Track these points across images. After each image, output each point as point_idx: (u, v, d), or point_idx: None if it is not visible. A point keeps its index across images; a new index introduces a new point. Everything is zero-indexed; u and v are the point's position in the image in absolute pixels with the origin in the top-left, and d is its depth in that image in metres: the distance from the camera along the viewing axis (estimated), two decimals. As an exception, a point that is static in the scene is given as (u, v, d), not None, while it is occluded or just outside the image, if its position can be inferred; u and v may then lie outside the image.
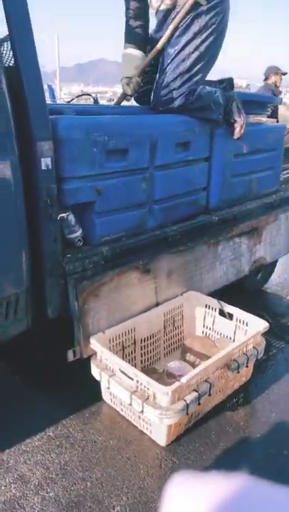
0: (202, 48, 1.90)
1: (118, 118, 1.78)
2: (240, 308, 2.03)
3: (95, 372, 1.73)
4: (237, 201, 2.48)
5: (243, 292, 2.74)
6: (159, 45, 1.95)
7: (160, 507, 0.39)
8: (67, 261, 1.68)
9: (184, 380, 1.51)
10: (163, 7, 1.93)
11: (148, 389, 1.53)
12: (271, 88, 4.83)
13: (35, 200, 1.52)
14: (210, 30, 1.89)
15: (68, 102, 2.52)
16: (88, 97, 2.98)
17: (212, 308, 2.12)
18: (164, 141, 1.90)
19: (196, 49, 1.89)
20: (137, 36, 2.04)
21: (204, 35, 1.89)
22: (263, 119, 2.80)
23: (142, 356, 1.99)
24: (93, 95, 2.80)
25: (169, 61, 1.92)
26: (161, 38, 1.95)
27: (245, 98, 2.32)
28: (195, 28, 1.87)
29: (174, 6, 1.90)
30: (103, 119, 1.70)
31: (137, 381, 1.56)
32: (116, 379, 1.64)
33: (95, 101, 2.68)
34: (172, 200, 2.07)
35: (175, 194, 2.08)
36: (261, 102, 2.60)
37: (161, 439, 1.62)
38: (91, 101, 2.83)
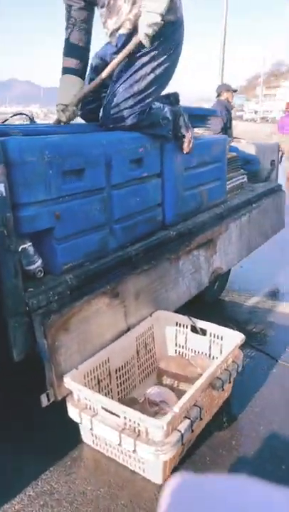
0: (158, 71, 1.86)
1: (71, 137, 1.67)
2: (206, 320, 1.99)
3: (73, 413, 1.57)
4: (190, 214, 2.47)
5: (203, 304, 2.73)
6: (103, 74, 1.87)
7: (159, 506, 0.38)
8: (30, 295, 1.52)
9: (176, 409, 1.41)
10: (123, 31, 1.85)
11: (138, 425, 1.40)
12: (224, 104, 5.16)
13: (-10, 233, 1.35)
14: (167, 55, 1.85)
15: (3, 122, 2.34)
16: (22, 116, 2.82)
17: (183, 326, 2.06)
18: (119, 159, 1.82)
19: (152, 71, 1.85)
20: (79, 51, 1.94)
21: (161, 59, 1.85)
22: (200, 131, 2.86)
23: (118, 387, 1.86)
24: (28, 114, 2.65)
25: (122, 80, 1.85)
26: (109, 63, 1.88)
27: (188, 112, 2.33)
28: (153, 52, 1.82)
29: (135, 30, 1.80)
30: (57, 139, 1.58)
31: (125, 417, 1.43)
32: (99, 418, 1.49)
33: (31, 120, 2.54)
34: (131, 218, 2.00)
35: (133, 212, 2.00)
36: (201, 115, 2.64)
37: (157, 476, 1.50)
38: (25, 120, 2.68)
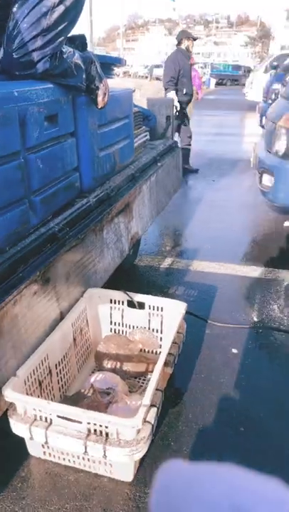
0: (68, 2, 1.50)
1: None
2: (124, 289, 1.88)
3: (20, 429, 1.31)
4: (105, 178, 2.24)
5: (120, 272, 2.60)
6: None
7: (151, 492, 0.39)
8: None
9: (146, 400, 1.28)
10: None
11: (106, 427, 1.24)
12: (182, 52, 4.98)
13: None
14: None
15: None
16: None
17: (118, 302, 1.90)
18: (34, 116, 1.48)
19: (61, 2, 1.48)
20: None
21: None
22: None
23: (58, 383, 1.64)
24: None
25: (26, 12, 1.45)
26: None
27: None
28: None
29: None
30: None
31: (89, 422, 1.25)
32: (57, 429, 1.28)
33: None
34: (50, 187, 1.69)
35: (52, 179, 1.69)
36: (106, 64, 2.34)
37: (127, 475, 1.37)
38: None
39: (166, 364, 1.59)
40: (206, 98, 18.21)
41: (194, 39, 5.16)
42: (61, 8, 1.50)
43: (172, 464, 0.42)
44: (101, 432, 1.25)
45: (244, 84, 18.49)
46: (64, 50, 1.65)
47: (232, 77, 31.72)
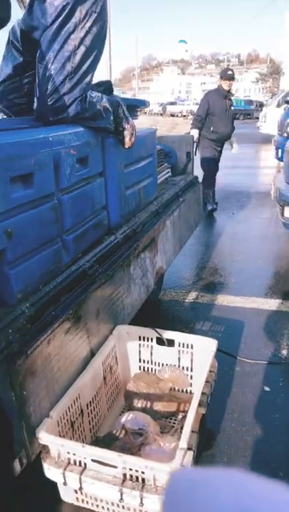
0: (88, 41, 1.59)
1: (13, 135, 1.33)
2: (150, 325, 1.86)
3: (54, 474, 1.28)
4: (131, 214, 2.28)
5: (144, 306, 2.58)
6: None
7: (163, 501, 0.40)
8: (-15, 339, 1.18)
9: (183, 443, 1.24)
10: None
11: (143, 473, 1.20)
12: (218, 90, 5.15)
13: None
14: (92, 18, 1.59)
15: None
16: None
17: (147, 339, 1.88)
18: (67, 159, 1.54)
19: (81, 43, 1.57)
20: None
21: (87, 25, 1.57)
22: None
23: (89, 424, 1.61)
24: None
25: (51, 60, 1.54)
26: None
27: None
28: (76, 18, 1.54)
29: None
30: (3, 138, 1.24)
31: (124, 467, 1.21)
32: (91, 474, 1.24)
33: None
34: (81, 226, 1.73)
35: (83, 218, 1.74)
36: (131, 106, 2.44)
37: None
38: None
39: (199, 404, 1.55)
40: (220, 132, 18.60)
41: (228, 78, 5.09)
42: (82, 49, 1.59)
43: (180, 472, 0.43)
44: (137, 477, 1.21)
45: (257, 118, 18.88)
46: (93, 94, 1.73)
47: (244, 112, 32.44)
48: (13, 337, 1.25)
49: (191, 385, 1.85)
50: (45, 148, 1.40)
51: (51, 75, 1.55)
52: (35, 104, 1.61)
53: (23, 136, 1.33)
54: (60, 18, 1.52)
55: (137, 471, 1.20)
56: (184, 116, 27.16)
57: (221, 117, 5.05)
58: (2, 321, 1.26)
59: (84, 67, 1.60)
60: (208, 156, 5.18)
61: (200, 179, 3.64)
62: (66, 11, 1.52)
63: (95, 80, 1.84)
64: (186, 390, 1.86)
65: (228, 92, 5.14)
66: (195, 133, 4.95)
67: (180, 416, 1.76)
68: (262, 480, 0.37)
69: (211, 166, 5.25)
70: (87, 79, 1.63)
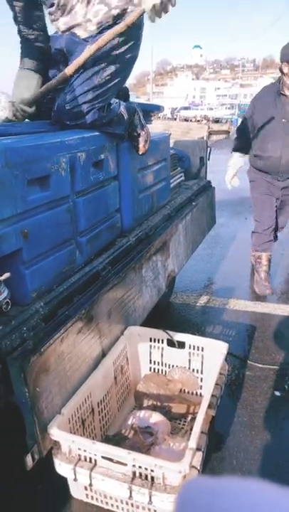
0: (121, 62, 1.64)
1: (32, 139, 1.37)
2: (161, 328, 1.87)
3: (64, 469, 1.31)
4: (144, 218, 2.31)
5: (156, 309, 2.61)
6: (69, 70, 1.58)
7: (174, 507, 0.40)
8: (1, 336, 1.22)
9: (192, 443, 1.25)
10: (83, 34, 1.60)
11: (152, 471, 1.21)
12: (273, 87, 2.93)
13: None
14: (130, 43, 1.63)
15: None
16: None
17: (158, 341, 1.90)
18: (83, 162, 1.58)
19: (114, 62, 1.61)
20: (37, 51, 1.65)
21: (124, 48, 1.62)
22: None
23: (100, 422, 1.63)
24: None
25: (81, 71, 1.59)
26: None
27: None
28: (114, 41, 1.58)
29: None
30: (22, 141, 1.28)
31: (134, 465, 1.23)
32: (101, 470, 1.26)
33: None
34: (95, 228, 1.77)
35: (97, 221, 1.77)
36: (147, 111, 2.47)
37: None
38: None
39: (209, 406, 1.56)
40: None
41: None
42: (112, 68, 1.63)
43: (195, 480, 0.42)
44: (146, 475, 1.23)
45: (272, 124, 18.74)
46: (111, 101, 1.78)
47: (259, 117, 32.24)
48: (28, 335, 1.28)
49: (201, 387, 1.86)
50: (62, 151, 1.44)
51: (76, 84, 1.59)
52: (54, 108, 1.65)
53: (40, 139, 1.37)
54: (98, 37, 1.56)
55: (146, 469, 1.22)
56: (198, 121, 27.18)
57: (272, 133, 2.90)
58: (17, 319, 1.29)
59: (110, 84, 1.64)
60: (256, 195, 3.20)
61: (213, 183, 3.64)
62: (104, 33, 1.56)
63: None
64: (196, 393, 1.88)
65: None
66: (236, 160, 3.18)
67: (189, 418, 1.78)
68: (279, 489, 0.37)
69: (261, 213, 3.17)
70: (109, 94, 1.67)
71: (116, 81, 1.66)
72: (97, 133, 1.71)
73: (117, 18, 1.57)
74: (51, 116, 1.67)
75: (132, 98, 2.38)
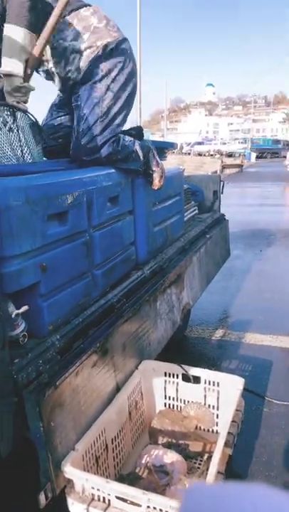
0: (115, 87, 1.75)
1: (55, 176, 1.44)
2: (176, 362, 1.85)
3: (77, 509, 1.27)
4: (158, 251, 2.34)
5: (170, 343, 2.58)
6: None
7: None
8: (18, 369, 1.23)
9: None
10: None
11: (167, 512, 1.17)
12: None
13: None
14: (118, 69, 1.77)
15: None
16: None
17: (173, 375, 1.88)
18: (99, 198, 1.63)
19: (107, 89, 1.74)
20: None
21: (113, 75, 1.75)
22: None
23: (114, 460, 1.60)
24: None
25: (83, 104, 1.71)
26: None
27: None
28: (103, 69, 1.72)
29: None
30: (41, 179, 1.35)
31: (148, 506, 1.19)
32: (115, 511, 1.23)
33: None
34: (110, 261, 1.80)
35: (112, 254, 1.81)
36: (161, 149, 2.56)
37: None
38: None
39: (226, 445, 1.52)
40: (248, 171, 18.86)
41: None
42: (110, 95, 1.74)
43: (198, 485, 0.44)
44: (161, 517, 1.19)
45: (284, 157, 19.06)
46: (126, 139, 1.86)
47: (272, 151, 32.91)
48: (44, 368, 1.29)
49: (217, 424, 1.81)
50: (80, 188, 1.50)
51: (84, 119, 1.70)
52: (71, 145, 1.74)
53: (59, 177, 1.43)
54: (89, 72, 1.69)
55: (161, 510, 1.18)
56: (211, 155, 27.76)
57: None
58: (33, 352, 1.31)
59: (113, 111, 1.75)
60: None
61: (226, 216, 3.68)
62: (92, 64, 1.70)
63: (128, 122, 1.99)
64: (212, 430, 1.82)
65: None
66: None
67: (206, 456, 1.72)
68: (281, 494, 0.38)
69: None
70: (117, 121, 1.77)
71: (118, 107, 1.77)
72: (112, 170, 1.78)
73: None
74: (69, 154, 1.75)
75: (147, 134, 2.48)
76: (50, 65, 1.78)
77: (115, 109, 1.78)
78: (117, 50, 1.78)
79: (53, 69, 1.79)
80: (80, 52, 1.72)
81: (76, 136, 1.71)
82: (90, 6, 1.77)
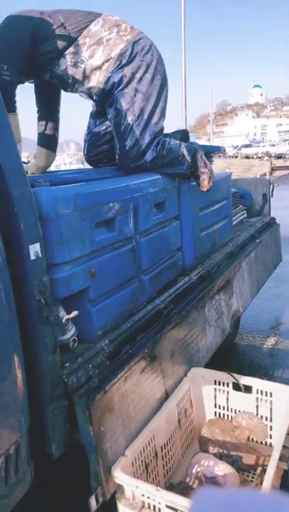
0: (143, 88, 1.74)
1: (100, 184, 1.47)
2: (226, 370, 1.79)
3: (127, 516, 1.27)
4: (206, 256, 2.31)
5: (219, 350, 2.52)
6: None
7: None
8: (68, 373, 1.25)
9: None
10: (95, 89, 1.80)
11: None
12: None
13: (24, 302, 1.10)
14: (142, 70, 1.75)
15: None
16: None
17: (223, 384, 1.83)
18: (145, 204, 1.64)
19: (136, 92, 1.73)
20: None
21: (138, 76, 1.74)
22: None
23: (163, 468, 1.58)
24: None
25: (116, 114, 1.73)
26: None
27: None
28: (126, 75, 1.72)
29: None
30: (89, 187, 1.38)
31: (199, 517, 1.16)
32: (165, 521, 1.21)
33: None
34: (157, 267, 1.80)
35: (159, 260, 1.81)
36: (208, 153, 2.54)
37: None
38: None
39: (280, 458, 1.45)
40: (299, 172, 18.13)
41: None
42: (139, 97, 1.73)
43: (207, 490, 0.44)
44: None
45: None
46: (172, 142, 1.86)
47: None
48: (93, 372, 1.31)
49: (270, 436, 1.74)
50: (126, 195, 1.51)
51: (121, 126, 1.72)
52: (117, 153, 1.76)
53: (106, 185, 1.46)
54: (113, 80, 1.73)
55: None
56: (260, 157, 27.09)
57: None
58: (83, 357, 1.33)
59: (147, 111, 1.74)
60: None
61: (277, 220, 3.56)
62: (116, 69, 1.72)
63: (173, 128, 1.99)
64: (265, 442, 1.75)
65: None
66: None
67: (259, 470, 1.65)
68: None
69: None
70: (154, 119, 1.76)
71: (150, 107, 1.75)
72: (158, 176, 1.78)
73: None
74: (117, 162, 1.78)
75: (192, 139, 2.47)
76: (77, 86, 1.82)
77: (148, 107, 1.77)
78: (135, 51, 1.77)
79: (80, 89, 1.83)
80: (98, 68, 1.74)
81: (120, 144, 1.74)
82: (98, 16, 1.77)
